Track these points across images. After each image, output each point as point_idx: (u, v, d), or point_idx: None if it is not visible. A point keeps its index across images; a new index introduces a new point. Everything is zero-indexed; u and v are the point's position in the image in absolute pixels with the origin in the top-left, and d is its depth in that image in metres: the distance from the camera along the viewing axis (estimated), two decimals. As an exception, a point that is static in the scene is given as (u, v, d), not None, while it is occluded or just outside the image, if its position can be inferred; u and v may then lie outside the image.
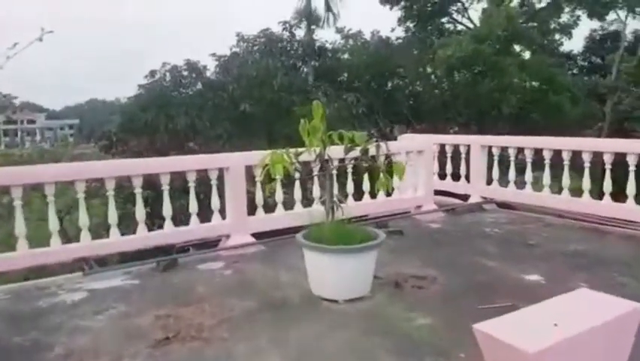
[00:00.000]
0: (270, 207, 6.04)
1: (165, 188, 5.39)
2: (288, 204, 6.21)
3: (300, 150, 3.84)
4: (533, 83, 14.91)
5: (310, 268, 3.79)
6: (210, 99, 12.97)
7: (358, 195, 6.59)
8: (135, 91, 15.09)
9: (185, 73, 14.07)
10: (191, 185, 5.50)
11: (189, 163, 5.54)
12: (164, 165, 5.45)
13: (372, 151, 3.87)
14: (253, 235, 5.73)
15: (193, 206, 5.53)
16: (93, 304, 4.08)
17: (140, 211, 5.26)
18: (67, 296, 4.26)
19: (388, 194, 6.50)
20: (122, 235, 5.20)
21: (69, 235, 6.52)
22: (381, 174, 3.83)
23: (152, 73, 15.68)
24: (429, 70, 17.39)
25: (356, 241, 3.69)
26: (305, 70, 14.98)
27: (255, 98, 12.31)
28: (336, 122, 13.14)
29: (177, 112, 12.77)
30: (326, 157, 3.78)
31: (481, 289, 3.97)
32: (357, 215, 6.36)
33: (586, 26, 20.89)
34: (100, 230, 6.29)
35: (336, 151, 3.92)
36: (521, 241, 5.41)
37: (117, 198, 5.82)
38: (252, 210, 5.84)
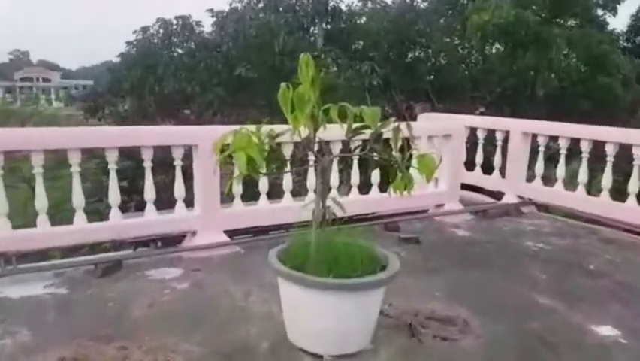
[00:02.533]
0: (250, 197, 4.95)
1: (112, 167, 4.31)
2: (276, 193, 5.11)
3: (278, 128, 2.71)
4: (578, 61, 13.43)
5: (286, 306, 2.70)
6: (203, 60, 11.72)
7: (366, 186, 5.47)
8: (123, 48, 13.87)
9: (178, 29, 12.78)
10: (147, 165, 4.41)
11: (145, 137, 4.42)
12: (109, 138, 4.34)
13: (388, 134, 2.71)
14: (227, 232, 4.65)
15: (149, 192, 4.46)
16: (-17, 327, 3.04)
17: (78, 197, 4.19)
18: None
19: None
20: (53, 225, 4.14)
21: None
22: (400, 172, 2.68)
23: (144, 29, 14.40)
24: (456, 41, 15.94)
25: (355, 268, 2.58)
26: (314, 32, 13.59)
27: (254, 61, 11.04)
28: (345, 95, 11.92)
29: (165, 73, 11.57)
30: (317, 143, 2.63)
31: (536, 347, 2.85)
32: (361, 213, 5.25)
33: (634, 3, 19.12)
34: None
35: (334, 133, 2.77)
36: (578, 265, 4.26)
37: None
38: (227, 200, 4.75)
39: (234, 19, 12.06)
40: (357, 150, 3.58)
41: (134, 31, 13.41)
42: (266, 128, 2.69)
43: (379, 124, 2.63)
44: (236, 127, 2.66)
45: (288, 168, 2.50)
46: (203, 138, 4.30)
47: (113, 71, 14.89)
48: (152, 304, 3.38)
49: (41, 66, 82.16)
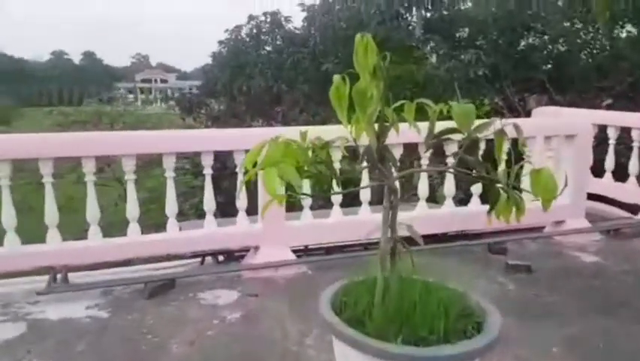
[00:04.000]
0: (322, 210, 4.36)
1: (169, 175, 3.94)
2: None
3: (329, 132, 2.06)
4: None
5: (340, 369, 2.03)
6: (290, 56, 11.35)
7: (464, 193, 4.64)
8: (216, 48, 14.02)
9: (267, 26, 12.57)
10: (207, 173, 3.99)
11: (201, 141, 4.02)
12: (160, 142, 3.98)
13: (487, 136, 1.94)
14: (294, 249, 4.10)
15: (209, 203, 4.04)
16: (9, 354, 2.77)
17: (134, 210, 3.88)
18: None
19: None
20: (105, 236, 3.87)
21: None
22: (504, 192, 1.91)
23: (238, 28, 14.45)
24: (578, 25, 14.07)
25: (435, 326, 1.87)
26: (411, 20, 12.62)
27: (341, 55, 10.40)
28: (446, 89, 10.86)
29: (253, 72, 11.38)
30: (383, 153, 1.94)
31: None
32: (447, 230, 4.44)
33: None
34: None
35: (409, 137, 2.05)
36: None
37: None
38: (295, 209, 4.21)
39: (324, 12, 11.56)
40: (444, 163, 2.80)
41: (226, 30, 13.48)
42: (315, 130, 2.06)
43: (474, 126, 1.87)
44: (285, 129, 2.06)
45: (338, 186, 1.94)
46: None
47: (206, 71, 15.18)
48: (193, 341, 2.90)
49: (159, 68, 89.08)
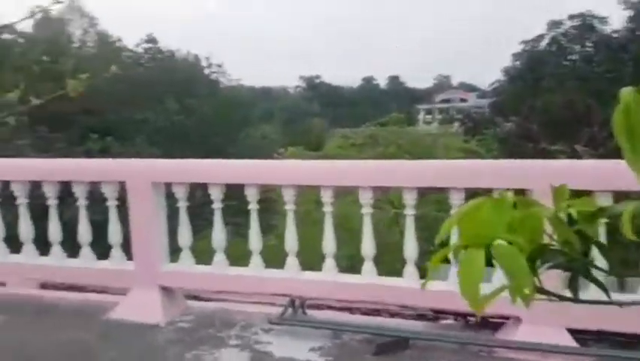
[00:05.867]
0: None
1: (410, 213, 3.34)
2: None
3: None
4: None
5: None
6: (601, 64, 9.30)
7: None
8: (509, 62, 12.84)
9: (574, 31, 10.70)
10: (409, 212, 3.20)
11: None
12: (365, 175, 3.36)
13: None
14: (574, 331, 2.94)
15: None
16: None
17: (330, 244, 3.43)
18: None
19: None
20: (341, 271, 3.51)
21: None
22: None
23: (539, 37, 12.95)
24: None
25: None
26: None
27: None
28: None
29: (550, 85, 9.81)
30: None
31: None
32: None
33: None
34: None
35: None
36: None
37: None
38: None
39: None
40: None
41: (522, 42, 12.18)
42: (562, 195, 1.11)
43: None
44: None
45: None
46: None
47: (497, 87, 14.10)
48: None
49: (460, 88, 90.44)
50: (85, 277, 3.89)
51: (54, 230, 3.88)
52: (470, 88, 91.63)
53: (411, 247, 3.33)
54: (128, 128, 21.38)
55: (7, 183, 3.85)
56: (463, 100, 78.97)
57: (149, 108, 23.46)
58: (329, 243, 3.48)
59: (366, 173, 3.40)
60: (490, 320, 3.29)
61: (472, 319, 3.46)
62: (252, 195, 3.51)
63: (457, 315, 3.44)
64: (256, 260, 3.63)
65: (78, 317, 3.66)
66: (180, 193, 3.62)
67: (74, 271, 3.85)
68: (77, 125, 19.80)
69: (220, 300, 3.99)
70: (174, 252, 3.79)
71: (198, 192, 4.51)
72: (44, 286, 4.37)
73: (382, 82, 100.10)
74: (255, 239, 3.61)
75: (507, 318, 3.19)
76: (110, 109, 21.65)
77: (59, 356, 3.16)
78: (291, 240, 3.55)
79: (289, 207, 3.50)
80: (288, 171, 3.53)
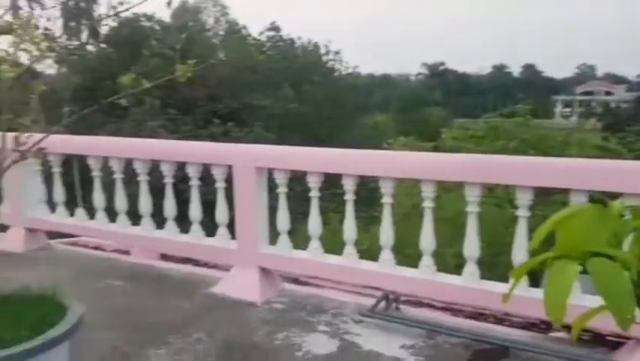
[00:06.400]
0: None
1: (523, 214, 3.07)
2: None
3: None
4: None
5: None
6: None
7: None
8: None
9: None
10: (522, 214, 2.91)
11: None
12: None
13: None
14: None
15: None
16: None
17: (428, 241, 3.24)
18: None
19: None
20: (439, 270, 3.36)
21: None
22: None
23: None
24: None
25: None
26: None
27: None
28: None
29: None
30: None
31: None
32: None
33: None
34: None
35: None
36: None
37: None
38: None
39: None
40: None
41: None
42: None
43: None
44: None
45: None
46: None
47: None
48: None
49: (606, 80, 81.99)
50: (193, 252, 4.16)
51: (169, 206, 4.19)
52: (618, 80, 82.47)
53: (521, 252, 3.07)
54: (247, 114, 22.49)
55: (130, 161, 4.23)
56: (608, 93, 71.68)
57: (268, 95, 24.45)
58: (427, 240, 3.34)
59: (472, 168, 3.19)
60: (607, 338, 2.95)
61: (587, 334, 3.13)
62: (348, 185, 3.47)
63: (569, 328, 3.13)
64: (350, 250, 3.61)
65: (184, 288, 3.93)
66: (281, 179, 3.70)
67: (184, 246, 4.14)
68: (202, 110, 21.28)
69: (315, 285, 4.06)
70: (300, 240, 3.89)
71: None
72: (164, 256, 4.78)
73: (516, 70, 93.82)
74: (349, 229, 3.58)
75: (628, 338, 2.83)
76: (233, 95, 22.92)
77: (161, 320, 3.42)
78: (386, 234, 3.47)
79: (386, 200, 3.41)
80: (386, 162, 3.44)
